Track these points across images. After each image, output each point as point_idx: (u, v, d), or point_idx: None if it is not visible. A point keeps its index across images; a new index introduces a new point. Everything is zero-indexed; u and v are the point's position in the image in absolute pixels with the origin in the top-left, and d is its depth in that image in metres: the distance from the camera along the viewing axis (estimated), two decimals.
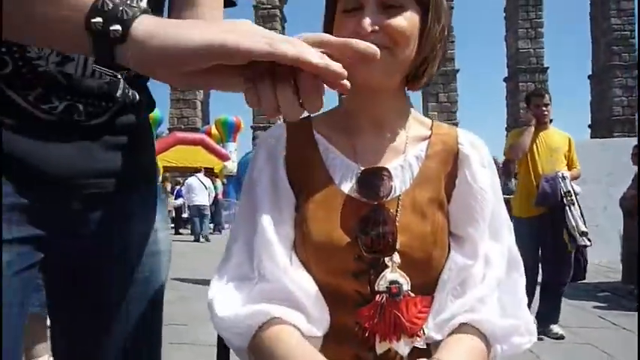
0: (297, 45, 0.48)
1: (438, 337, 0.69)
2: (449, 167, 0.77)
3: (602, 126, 26.51)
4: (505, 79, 28.41)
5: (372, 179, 0.73)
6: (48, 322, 1.60)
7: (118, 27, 0.47)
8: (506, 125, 27.91)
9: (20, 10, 0.52)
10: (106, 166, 0.77)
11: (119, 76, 0.77)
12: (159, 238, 0.87)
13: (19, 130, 0.67)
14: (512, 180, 4.86)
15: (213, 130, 17.26)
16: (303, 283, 0.70)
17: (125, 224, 0.82)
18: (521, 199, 3.49)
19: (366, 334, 0.67)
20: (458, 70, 25.93)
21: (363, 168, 0.74)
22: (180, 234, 12.31)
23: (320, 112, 0.55)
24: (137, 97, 0.82)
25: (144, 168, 0.88)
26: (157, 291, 0.88)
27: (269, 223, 0.72)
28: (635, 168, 4.92)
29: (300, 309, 0.68)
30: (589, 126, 28.72)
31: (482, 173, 0.76)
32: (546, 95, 3.52)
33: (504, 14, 28.18)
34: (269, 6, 25.19)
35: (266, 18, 24.94)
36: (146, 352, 0.88)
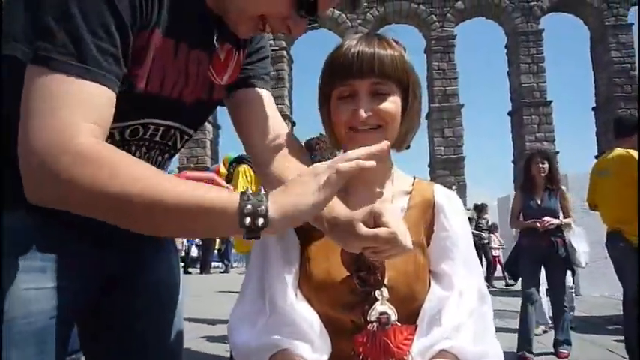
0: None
1: None
2: (427, 215, 0.93)
3: None
4: (509, 113, 28.69)
5: None
6: None
7: (262, 220, 0.65)
8: (512, 158, 27.98)
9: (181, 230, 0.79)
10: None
11: None
12: (176, 272, 1.09)
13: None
14: None
15: (222, 169, 17.58)
16: (307, 316, 0.83)
17: (154, 264, 1.03)
18: None
19: (360, 358, 0.80)
20: (462, 105, 26.23)
21: None
22: (189, 272, 12.52)
23: None
24: None
25: None
26: (180, 316, 1.07)
27: (278, 265, 0.87)
28: None
29: (306, 339, 0.82)
30: (595, 157, 28.70)
31: (455, 220, 0.92)
32: None
33: (505, 50, 28.82)
34: (276, 48, 25.98)
35: (273, 59, 25.74)
36: None
